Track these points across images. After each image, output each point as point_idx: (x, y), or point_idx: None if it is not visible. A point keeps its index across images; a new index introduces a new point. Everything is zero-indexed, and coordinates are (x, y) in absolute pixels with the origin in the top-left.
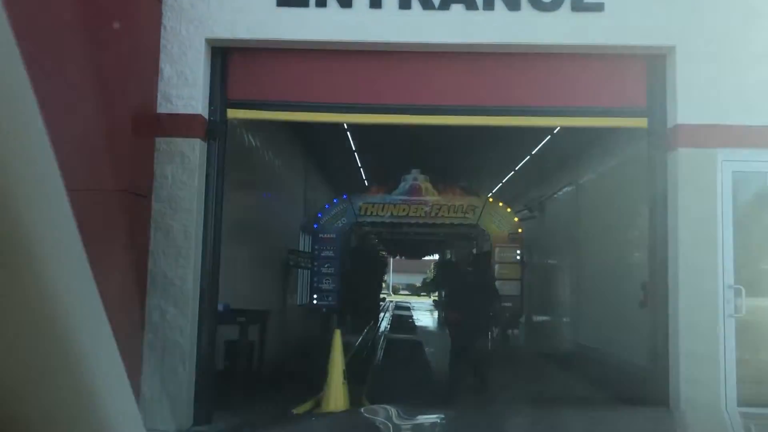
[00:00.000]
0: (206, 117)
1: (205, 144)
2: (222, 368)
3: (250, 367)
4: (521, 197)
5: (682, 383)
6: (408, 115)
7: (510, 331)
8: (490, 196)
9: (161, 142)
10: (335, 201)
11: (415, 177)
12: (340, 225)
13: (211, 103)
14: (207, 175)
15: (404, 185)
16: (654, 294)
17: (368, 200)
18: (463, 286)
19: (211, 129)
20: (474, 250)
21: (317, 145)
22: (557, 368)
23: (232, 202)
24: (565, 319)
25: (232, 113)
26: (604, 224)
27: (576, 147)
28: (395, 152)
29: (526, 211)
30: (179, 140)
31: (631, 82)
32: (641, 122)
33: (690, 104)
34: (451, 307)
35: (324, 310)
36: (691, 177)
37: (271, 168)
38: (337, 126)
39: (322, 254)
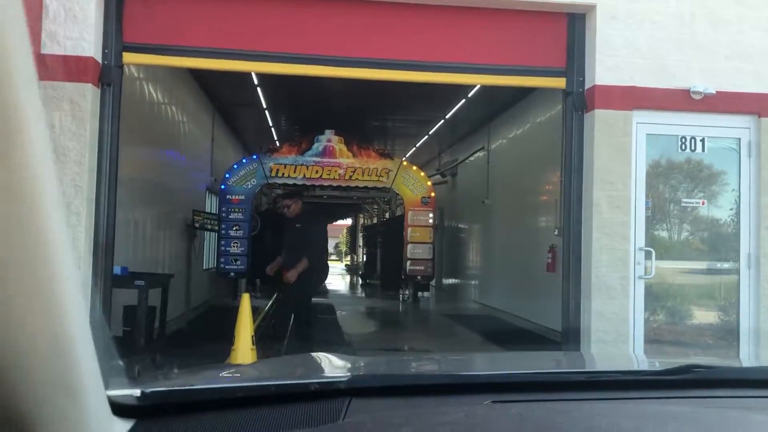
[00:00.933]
0: (99, 60)
1: (98, 90)
2: (121, 335)
3: (150, 334)
4: (434, 162)
5: (594, 343)
6: (317, 66)
7: (420, 294)
8: (405, 160)
9: (47, 87)
10: (244, 161)
11: (329, 138)
12: (250, 186)
13: (104, 46)
14: (100, 125)
15: (318, 146)
16: (567, 255)
17: (280, 161)
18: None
19: (105, 74)
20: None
21: (225, 102)
22: (464, 328)
23: (131, 158)
24: (474, 282)
25: (129, 57)
26: (514, 189)
27: (488, 111)
28: (308, 111)
29: (438, 176)
30: (68, 85)
31: (551, 41)
32: (560, 82)
33: (608, 65)
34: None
35: (232, 274)
36: (607, 138)
37: (173, 123)
38: (247, 81)
39: (230, 216)
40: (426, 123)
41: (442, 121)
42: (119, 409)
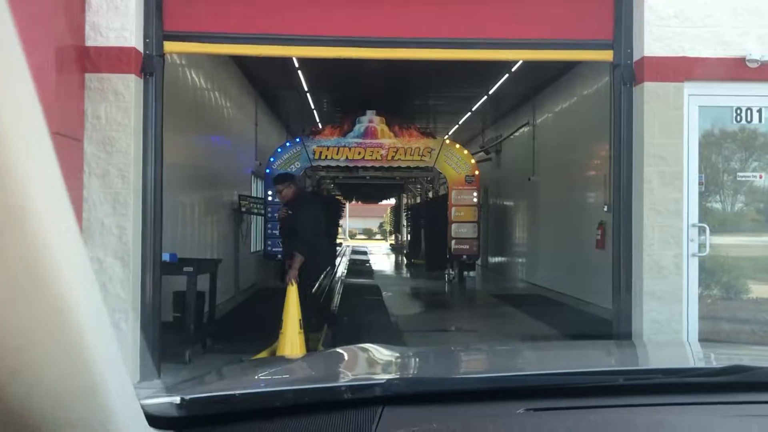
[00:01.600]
0: (141, 50)
1: (141, 80)
2: (171, 321)
3: (200, 319)
4: (477, 139)
5: (646, 323)
6: (361, 48)
7: (466, 273)
8: (447, 138)
9: (92, 79)
10: (288, 144)
11: (370, 119)
12: (294, 170)
13: (145, 35)
14: (144, 115)
15: (359, 127)
16: (617, 234)
17: (322, 143)
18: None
19: (147, 63)
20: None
21: (267, 86)
22: (511, 308)
23: (176, 145)
24: (521, 261)
25: (170, 46)
26: (561, 164)
27: (533, 86)
28: (349, 93)
29: (482, 153)
30: (112, 76)
31: (597, 13)
32: (607, 55)
33: (657, 35)
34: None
35: (279, 257)
36: (657, 112)
37: (217, 108)
38: (288, 64)
39: (275, 200)
40: (468, 100)
41: (485, 97)
42: (155, 419)
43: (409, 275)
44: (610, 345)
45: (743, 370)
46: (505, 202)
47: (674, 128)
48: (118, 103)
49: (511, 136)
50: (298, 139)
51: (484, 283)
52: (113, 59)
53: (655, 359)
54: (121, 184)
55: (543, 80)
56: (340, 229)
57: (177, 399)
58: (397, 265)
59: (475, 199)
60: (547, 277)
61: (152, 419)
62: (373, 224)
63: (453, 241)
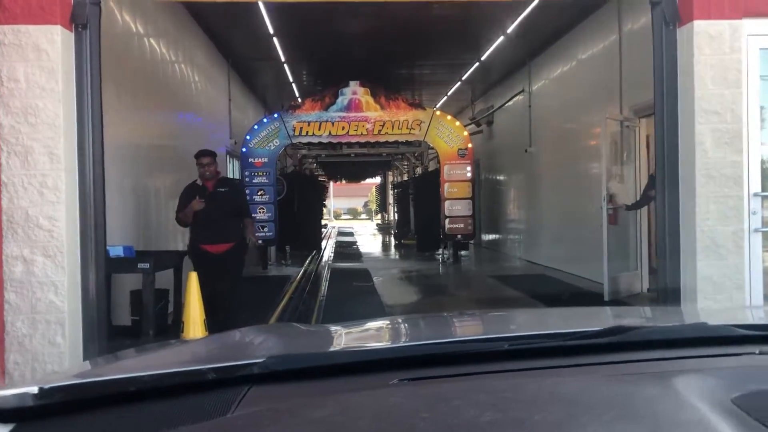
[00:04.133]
0: None
1: (71, 34)
2: (130, 325)
3: (163, 321)
4: (467, 111)
5: (701, 312)
6: None
7: (460, 253)
8: (437, 110)
9: (6, 32)
10: (265, 120)
11: (354, 90)
12: (273, 148)
13: None
14: (78, 78)
15: (342, 100)
16: (662, 206)
17: (302, 118)
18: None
19: (78, 12)
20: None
21: (240, 56)
22: (516, 291)
23: (135, 121)
24: (517, 238)
25: None
26: (563, 134)
27: (529, 50)
28: (330, 63)
29: (473, 126)
30: (31, 28)
31: None
32: None
33: None
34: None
35: (260, 242)
36: (709, 57)
37: (183, 80)
38: (262, 30)
39: (254, 181)
40: (458, 67)
41: (477, 63)
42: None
43: (399, 257)
44: (537, 312)
45: (622, 330)
46: (498, 176)
47: (731, 77)
48: (40, 63)
49: (505, 106)
50: (276, 115)
51: (480, 264)
52: (32, 6)
53: (558, 324)
54: (48, 164)
55: (540, 43)
56: (324, 210)
57: (35, 389)
58: (386, 246)
59: (469, 174)
60: (549, 256)
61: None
62: (358, 204)
63: (447, 220)
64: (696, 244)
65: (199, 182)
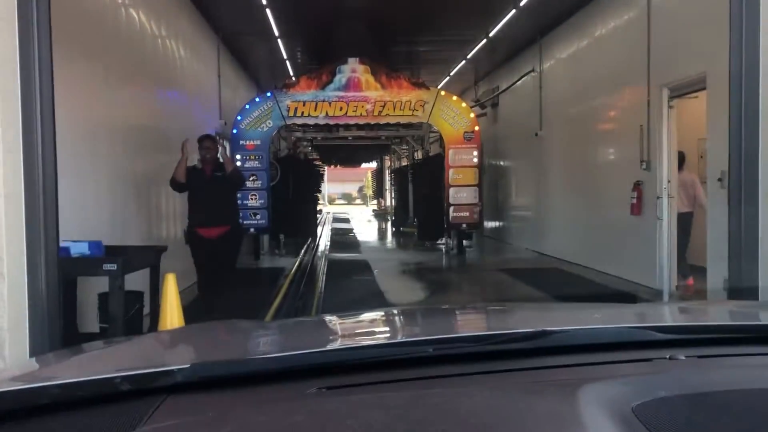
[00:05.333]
0: None
1: None
2: (98, 332)
3: (138, 326)
4: (469, 93)
5: None
6: None
7: (465, 243)
8: (442, 90)
9: None
10: (257, 100)
11: (353, 68)
12: (266, 129)
13: None
14: (23, 39)
15: (340, 78)
16: (737, 190)
17: (297, 98)
18: (205, 194)
19: None
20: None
21: (231, 31)
22: (532, 288)
23: (111, 99)
24: (524, 227)
25: None
26: (578, 116)
27: (540, 25)
28: (327, 38)
29: (477, 108)
30: None
31: None
32: None
33: None
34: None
35: (252, 230)
36: None
37: (167, 55)
38: (254, 3)
39: (245, 165)
40: (463, 44)
41: (484, 40)
42: None
43: (399, 247)
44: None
45: (545, 334)
46: (503, 162)
47: None
48: None
49: (512, 87)
50: (269, 94)
51: (487, 255)
52: None
53: (497, 323)
54: None
55: (553, 17)
56: (319, 196)
57: None
58: (385, 234)
59: (476, 159)
60: (560, 247)
61: None
62: (353, 188)
63: (451, 208)
64: None
65: (198, 165)
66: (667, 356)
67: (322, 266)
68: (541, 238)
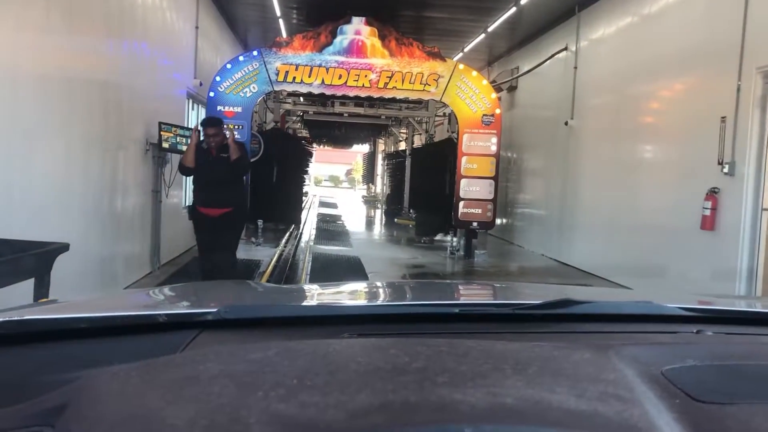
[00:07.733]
0: None
1: None
2: None
3: None
4: (482, 73)
5: None
6: None
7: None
8: (460, 62)
9: None
10: (241, 58)
11: (357, 29)
12: (249, 95)
13: None
14: None
15: (342, 40)
16: None
17: (289, 60)
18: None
19: None
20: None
21: None
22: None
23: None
24: (543, 231)
25: None
26: (624, 104)
27: None
28: None
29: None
30: None
31: None
32: None
33: None
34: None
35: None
36: None
37: None
38: None
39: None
40: (485, 13)
41: (513, 8)
42: None
43: (395, 242)
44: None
45: (568, 303)
46: (519, 153)
47: None
48: None
49: (537, 68)
50: (255, 52)
51: (500, 260)
52: None
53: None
54: None
55: None
56: (306, 178)
57: None
58: (377, 225)
59: (494, 148)
60: (591, 259)
61: None
62: (340, 171)
63: (461, 203)
64: None
65: (204, 145)
66: (694, 330)
67: (305, 262)
68: (563, 244)
